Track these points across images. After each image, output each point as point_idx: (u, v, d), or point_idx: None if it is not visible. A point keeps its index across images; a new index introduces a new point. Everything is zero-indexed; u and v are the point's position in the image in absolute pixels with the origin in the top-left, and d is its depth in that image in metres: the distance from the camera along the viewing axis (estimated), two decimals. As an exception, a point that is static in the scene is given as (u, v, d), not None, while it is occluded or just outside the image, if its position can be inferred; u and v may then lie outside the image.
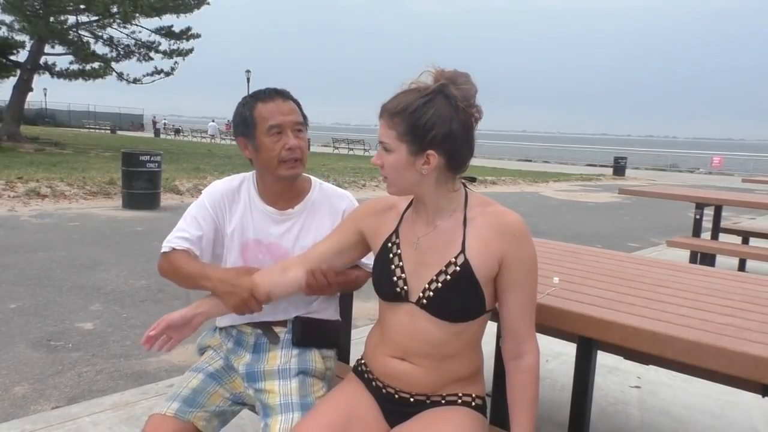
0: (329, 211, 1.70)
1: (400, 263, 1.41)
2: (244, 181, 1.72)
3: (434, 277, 1.36)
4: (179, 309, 1.46)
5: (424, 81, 1.31)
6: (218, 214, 1.66)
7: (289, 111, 1.60)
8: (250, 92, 1.68)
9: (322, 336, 1.70)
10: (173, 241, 1.62)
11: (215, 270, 1.57)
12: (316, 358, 1.69)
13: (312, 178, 1.75)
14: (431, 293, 1.35)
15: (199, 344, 1.81)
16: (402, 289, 1.39)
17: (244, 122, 1.62)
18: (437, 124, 1.27)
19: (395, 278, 1.40)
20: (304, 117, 1.65)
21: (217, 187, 1.70)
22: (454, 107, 1.28)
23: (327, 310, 1.72)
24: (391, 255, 1.42)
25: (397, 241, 1.43)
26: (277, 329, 1.67)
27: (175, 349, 3.42)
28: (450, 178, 1.36)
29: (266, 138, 1.58)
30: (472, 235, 1.36)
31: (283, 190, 1.66)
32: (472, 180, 1.45)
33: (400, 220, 1.46)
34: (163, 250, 1.63)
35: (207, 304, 1.51)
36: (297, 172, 1.63)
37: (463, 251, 1.35)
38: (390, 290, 1.41)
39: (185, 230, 1.64)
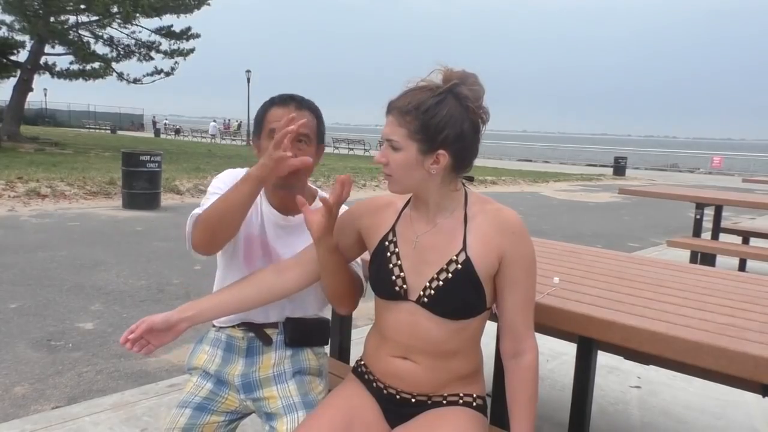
0: None
1: (399, 262, 1.40)
2: None
3: (435, 275, 1.35)
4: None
5: (432, 80, 1.31)
6: None
7: (297, 119, 1.49)
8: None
9: (314, 335, 1.69)
10: (197, 211, 1.50)
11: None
12: (309, 357, 1.69)
13: (318, 190, 1.70)
14: (432, 291, 1.35)
15: (187, 364, 1.73)
16: (401, 287, 1.39)
17: (256, 122, 1.60)
18: (449, 124, 1.27)
19: (394, 277, 1.40)
20: (318, 132, 1.58)
21: (230, 174, 1.62)
22: (465, 108, 1.28)
23: (316, 310, 1.72)
24: (388, 253, 1.42)
25: (395, 239, 1.43)
26: (268, 332, 1.66)
27: (176, 350, 3.46)
28: (454, 177, 1.36)
29: (266, 141, 1.53)
30: (473, 232, 1.36)
31: (286, 195, 1.62)
32: (470, 179, 1.45)
33: (398, 218, 1.45)
34: (188, 224, 1.48)
35: (195, 308, 1.44)
36: (286, 184, 1.55)
37: (464, 249, 1.35)
38: (388, 289, 1.40)
39: (207, 202, 1.53)
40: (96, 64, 23.57)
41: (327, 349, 1.81)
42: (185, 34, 24.06)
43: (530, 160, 34.59)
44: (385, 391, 1.46)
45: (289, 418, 1.53)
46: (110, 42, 23.89)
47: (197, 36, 24.32)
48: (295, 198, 1.48)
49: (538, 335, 1.43)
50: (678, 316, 1.57)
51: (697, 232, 5.94)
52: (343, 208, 1.67)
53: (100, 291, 4.72)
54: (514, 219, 1.37)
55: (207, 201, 1.55)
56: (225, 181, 1.59)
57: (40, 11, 21.13)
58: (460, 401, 1.43)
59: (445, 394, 1.43)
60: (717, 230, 6.02)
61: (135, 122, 60.29)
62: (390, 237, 1.43)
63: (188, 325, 1.43)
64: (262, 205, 1.65)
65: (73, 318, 4.04)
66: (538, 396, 1.41)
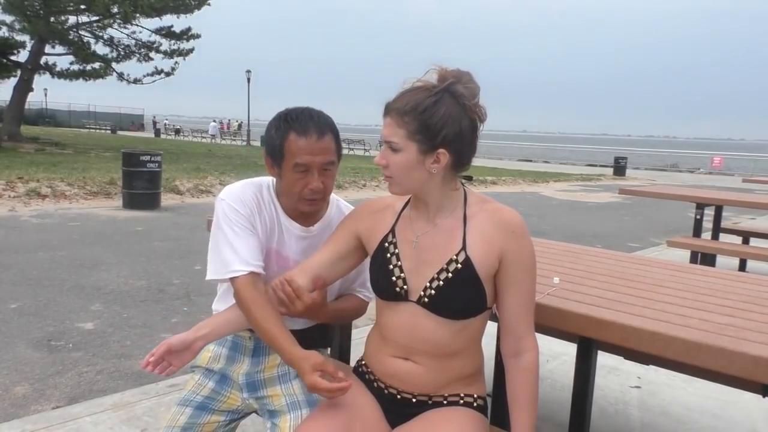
0: None
1: (399, 263, 1.40)
2: (265, 188, 1.62)
3: (435, 275, 1.36)
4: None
5: (428, 80, 1.31)
6: (251, 215, 1.56)
7: (321, 150, 1.47)
8: (288, 110, 1.52)
9: (317, 337, 1.70)
10: (235, 264, 1.48)
11: (285, 342, 1.40)
12: None
13: (332, 195, 1.66)
14: (433, 291, 1.35)
15: (191, 362, 1.71)
16: (402, 288, 1.39)
17: (272, 148, 1.51)
18: (448, 123, 1.27)
19: (394, 278, 1.40)
20: (339, 149, 1.54)
21: (242, 189, 1.59)
22: (462, 106, 1.28)
23: None
24: (388, 255, 1.42)
25: (394, 240, 1.43)
26: None
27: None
28: (453, 176, 1.37)
29: (291, 173, 1.49)
30: (473, 232, 1.36)
31: (305, 212, 1.60)
32: (469, 179, 1.45)
33: (397, 219, 1.45)
34: (228, 276, 1.49)
35: (209, 326, 1.46)
36: (316, 209, 1.57)
37: (464, 248, 1.35)
38: (389, 290, 1.41)
39: (242, 244, 1.50)
40: (96, 64, 23.58)
41: (328, 351, 1.81)
42: (185, 35, 24.05)
43: (530, 160, 34.62)
44: (385, 391, 1.47)
45: (292, 415, 1.54)
46: (110, 42, 23.89)
47: (197, 36, 24.31)
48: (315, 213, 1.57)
49: (538, 335, 1.43)
50: (678, 316, 1.57)
51: (697, 232, 5.94)
52: (346, 210, 1.67)
53: (100, 291, 4.72)
54: (515, 218, 1.37)
55: (219, 230, 1.52)
56: (236, 207, 1.54)
57: (41, 11, 21.13)
58: (461, 401, 1.43)
59: (446, 395, 1.43)
60: (717, 230, 6.02)
61: (135, 122, 60.26)
62: (390, 238, 1.43)
63: (204, 343, 1.47)
64: (279, 216, 1.61)
65: (74, 318, 4.04)
66: (539, 396, 1.41)
